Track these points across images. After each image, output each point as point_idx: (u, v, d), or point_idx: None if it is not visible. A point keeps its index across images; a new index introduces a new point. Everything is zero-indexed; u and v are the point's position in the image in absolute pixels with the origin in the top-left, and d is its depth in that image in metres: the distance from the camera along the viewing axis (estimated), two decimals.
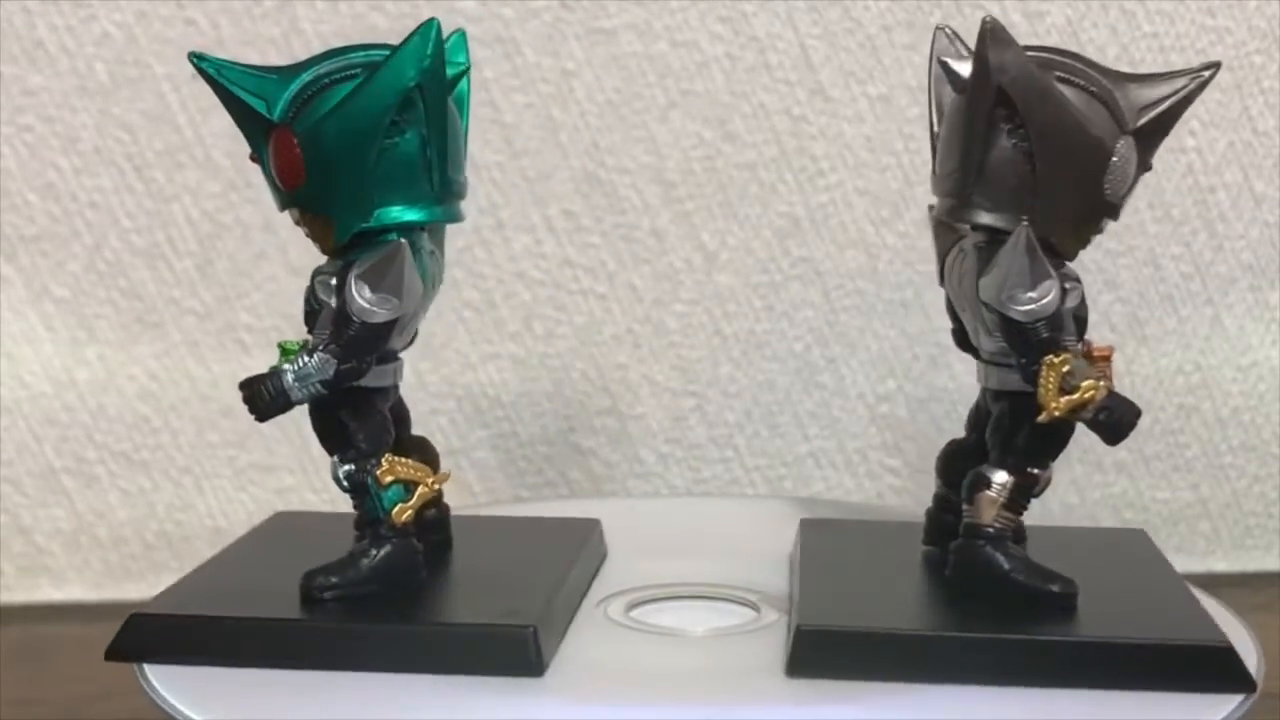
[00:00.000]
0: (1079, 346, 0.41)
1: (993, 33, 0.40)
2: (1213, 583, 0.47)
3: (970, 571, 0.43)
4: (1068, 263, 0.42)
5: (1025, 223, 0.40)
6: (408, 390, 0.64)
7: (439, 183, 0.42)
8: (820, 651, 0.40)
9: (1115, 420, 0.41)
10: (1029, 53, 0.41)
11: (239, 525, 0.64)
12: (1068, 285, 0.41)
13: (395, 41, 0.62)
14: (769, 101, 0.64)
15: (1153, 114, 0.42)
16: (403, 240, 0.41)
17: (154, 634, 0.41)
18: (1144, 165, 0.42)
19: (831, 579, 0.44)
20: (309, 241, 0.64)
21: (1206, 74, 0.42)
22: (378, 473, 0.42)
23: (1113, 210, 0.42)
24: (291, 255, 0.64)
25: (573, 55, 0.63)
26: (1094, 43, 0.63)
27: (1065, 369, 0.40)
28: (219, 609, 0.42)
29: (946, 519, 0.46)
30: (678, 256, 0.64)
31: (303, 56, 0.63)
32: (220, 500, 0.65)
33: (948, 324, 0.65)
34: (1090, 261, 0.64)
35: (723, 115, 0.64)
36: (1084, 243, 0.42)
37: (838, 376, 0.65)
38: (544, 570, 0.45)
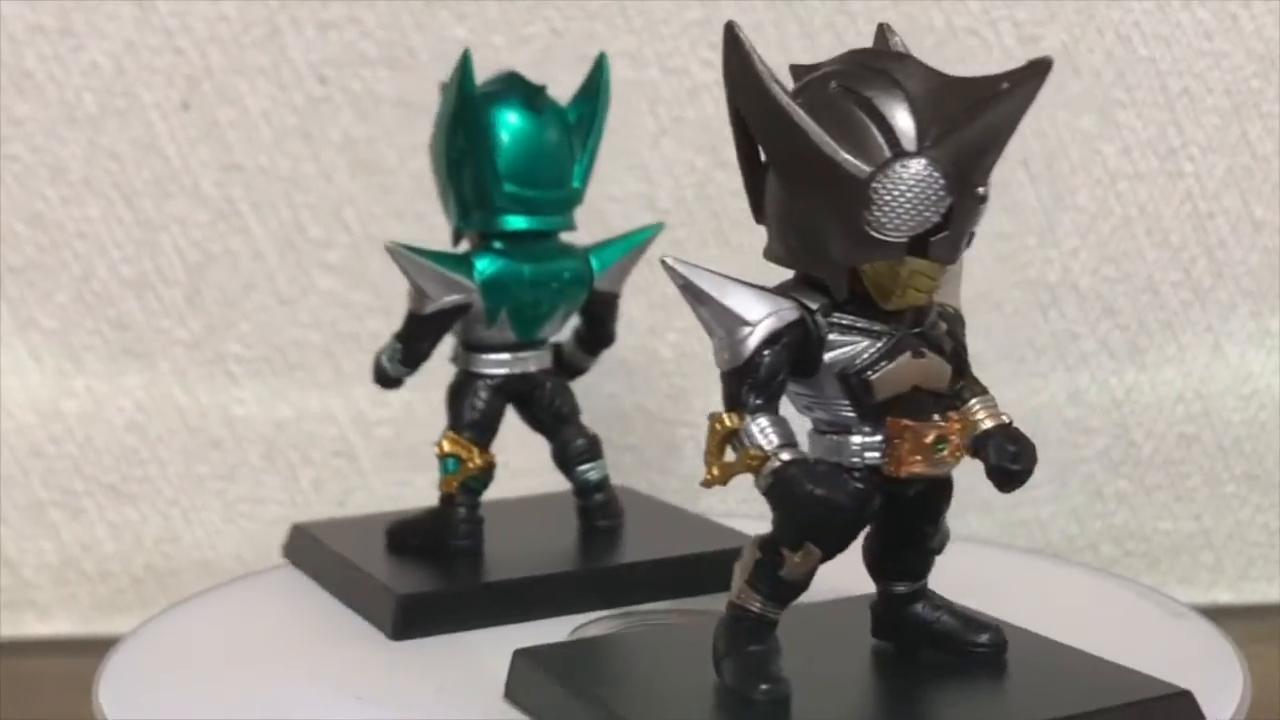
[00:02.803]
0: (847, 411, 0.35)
1: (727, 39, 0.35)
2: (1216, 614, 0.46)
3: (712, 650, 0.38)
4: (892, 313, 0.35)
5: (663, 260, 0.36)
6: (397, 417, 0.64)
7: (499, 195, 0.47)
8: (532, 681, 0.38)
9: (781, 503, 0.34)
10: (855, 55, 0.35)
11: (227, 558, 0.64)
12: (832, 336, 0.35)
13: (381, 69, 0.63)
14: None
15: (947, 128, 0.33)
16: (386, 245, 0.48)
17: (298, 542, 0.52)
18: (965, 192, 0.33)
19: None
20: (297, 271, 0.64)
21: (1029, 77, 0.33)
22: (436, 447, 0.49)
23: (893, 250, 0.34)
24: (280, 285, 0.63)
25: (563, 82, 0.62)
26: (1090, 68, 0.63)
27: (720, 428, 0.34)
28: (333, 541, 0.50)
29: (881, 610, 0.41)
30: (670, 285, 0.63)
31: (292, 86, 0.64)
32: (208, 533, 0.64)
33: None
34: (1088, 288, 0.64)
35: (714, 142, 0.63)
36: (887, 288, 0.35)
37: None
38: (564, 564, 0.48)
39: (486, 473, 0.49)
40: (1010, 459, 0.36)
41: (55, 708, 0.55)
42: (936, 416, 0.36)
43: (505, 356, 0.49)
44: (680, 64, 0.63)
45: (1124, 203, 0.63)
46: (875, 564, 0.39)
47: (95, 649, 0.46)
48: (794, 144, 0.34)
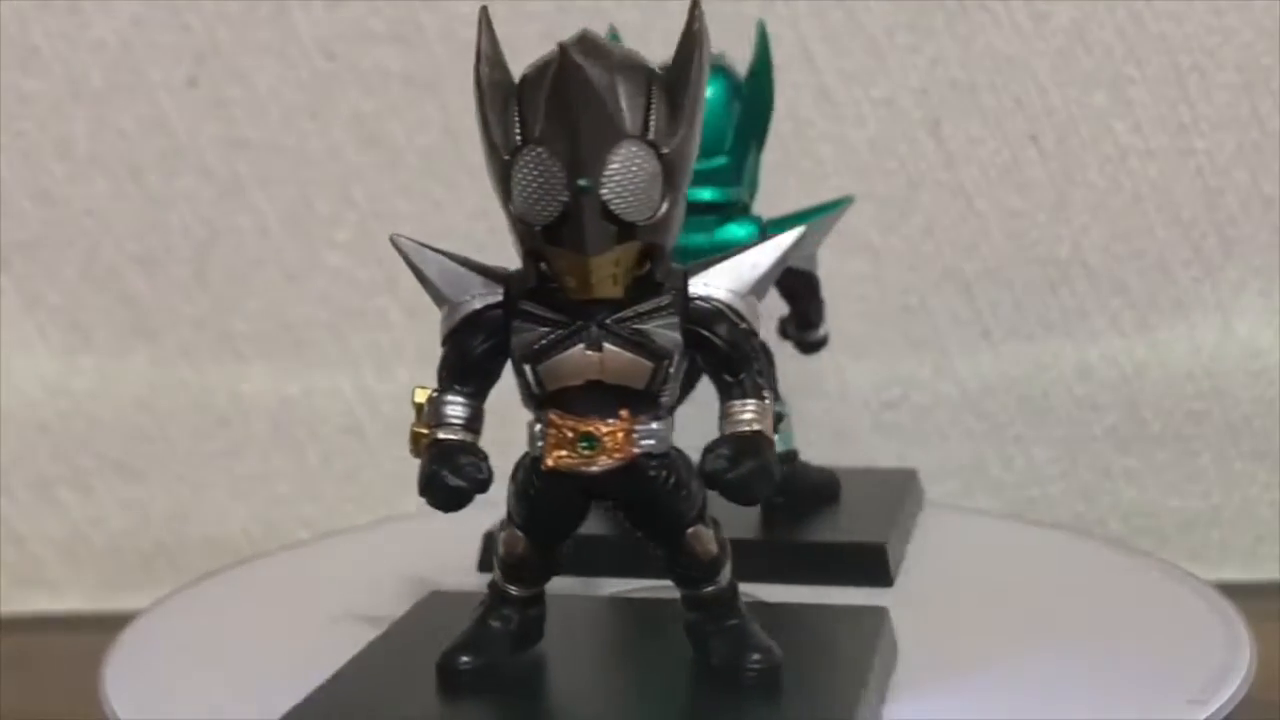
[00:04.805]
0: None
1: (479, 20, 0.35)
2: (1224, 592, 0.46)
3: None
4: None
5: (391, 237, 0.37)
6: (403, 394, 0.64)
7: None
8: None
9: (420, 480, 0.35)
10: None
11: (235, 535, 0.64)
12: (516, 322, 0.35)
13: (388, 45, 0.62)
14: None
15: (549, 117, 0.33)
16: None
17: None
18: (570, 181, 0.33)
19: None
20: (305, 248, 0.64)
21: (559, 69, 0.33)
22: None
23: (532, 237, 0.34)
24: (288, 262, 0.63)
25: None
26: (1101, 44, 0.62)
27: (413, 404, 0.36)
28: None
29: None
30: None
31: (299, 63, 0.64)
32: (216, 509, 0.64)
33: (952, 329, 0.65)
34: (1098, 265, 0.64)
35: None
36: (559, 277, 0.34)
37: (842, 383, 0.64)
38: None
39: None
40: (723, 467, 0.34)
41: (64, 684, 0.55)
42: (619, 415, 0.35)
43: None
44: None
45: (1134, 179, 0.63)
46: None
47: (104, 625, 0.46)
48: (480, 127, 0.35)
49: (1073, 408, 0.64)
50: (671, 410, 0.36)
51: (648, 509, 0.36)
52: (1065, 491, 0.65)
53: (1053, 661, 0.41)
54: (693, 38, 0.36)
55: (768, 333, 0.52)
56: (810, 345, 0.54)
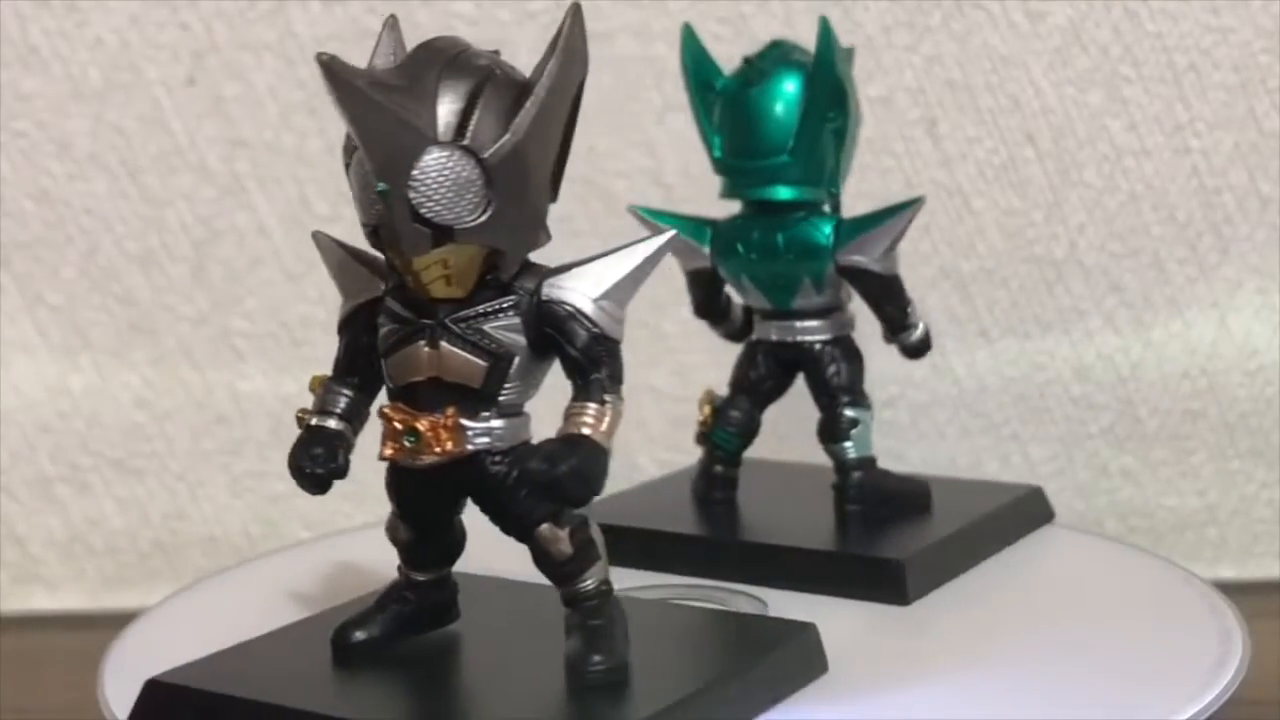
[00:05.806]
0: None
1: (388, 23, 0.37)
2: (1221, 590, 0.47)
3: None
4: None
5: (314, 234, 0.39)
6: None
7: (719, 165, 0.49)
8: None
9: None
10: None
11: (234, 533, 0.64)
12: (380, 319, 0.37)
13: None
14: None
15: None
16: (628, 207, 0.52)
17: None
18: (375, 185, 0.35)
19: None
20: (303, 247, 0.64)
21: (329, 87, 0.34)
22: None
23: (368, 236, 0.36)
24: (286, 260, 0.63)
25: None
26: (1097, 43, 0.62)
27: (311, 388, 0.39)
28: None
29: None
30: (672, 260, 0.64)
31: (297, 61, 0.64)
32: (215, 508, 0.64)
33: (949, 328, 0.65)
34: (1094, 264, 0.64)
35: None
36: (399, 270, 0.36)
37: None
38: (710, 530, 0.51)
39: (725, 430, 0.51)
40: (540, 468, 0.35)
41: (64, 682, 0.55)
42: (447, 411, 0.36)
43: (771, 324, 0.50)
44: None
45: (1130, 179, 0.63)
46: None
47: (103, 624, 0.46)
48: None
49: (1069, 406, 0.65)
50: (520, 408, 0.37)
51: (493, 504, 0.37)
52: (1061, 489, 0.65)
53: (1049, 657, 0.41)
54: (552, 45, 0.36)
55: (864, 336, 0.52)
56: (909, 349, 0.51)
